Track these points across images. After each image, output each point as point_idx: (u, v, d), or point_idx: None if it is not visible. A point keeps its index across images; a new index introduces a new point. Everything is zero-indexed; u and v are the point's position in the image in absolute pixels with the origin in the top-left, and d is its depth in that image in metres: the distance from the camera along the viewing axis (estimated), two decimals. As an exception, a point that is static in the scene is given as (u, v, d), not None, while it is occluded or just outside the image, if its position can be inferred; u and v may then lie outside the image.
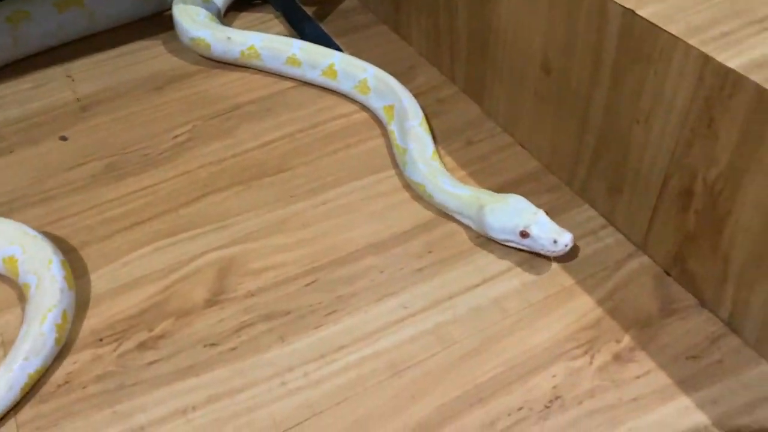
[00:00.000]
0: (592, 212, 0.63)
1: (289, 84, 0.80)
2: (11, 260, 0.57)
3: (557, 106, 0.63)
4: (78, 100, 0.79)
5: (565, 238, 0.54)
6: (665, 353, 0.52)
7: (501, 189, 0.65)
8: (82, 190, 0.68)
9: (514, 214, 0.56)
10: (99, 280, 0.60)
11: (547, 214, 0.57)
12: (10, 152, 0.73)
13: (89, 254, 0.62)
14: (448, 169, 0.67)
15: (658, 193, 0.55)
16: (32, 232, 0.59)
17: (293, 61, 0.77)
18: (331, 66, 0.75)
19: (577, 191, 0.65)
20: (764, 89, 0.43)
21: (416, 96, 0.73)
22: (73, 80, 0.82)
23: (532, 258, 0.59)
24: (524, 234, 0.55)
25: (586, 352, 0.53)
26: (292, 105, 0.77)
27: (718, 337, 0.53)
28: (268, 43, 0.78)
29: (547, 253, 0.56)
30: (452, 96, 0.77)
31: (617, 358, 0.52)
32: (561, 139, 0.64)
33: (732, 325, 0.53)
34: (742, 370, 0.51)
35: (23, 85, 0.82)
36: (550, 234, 0.55)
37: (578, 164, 0.63)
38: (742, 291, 0.51)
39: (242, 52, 0.79)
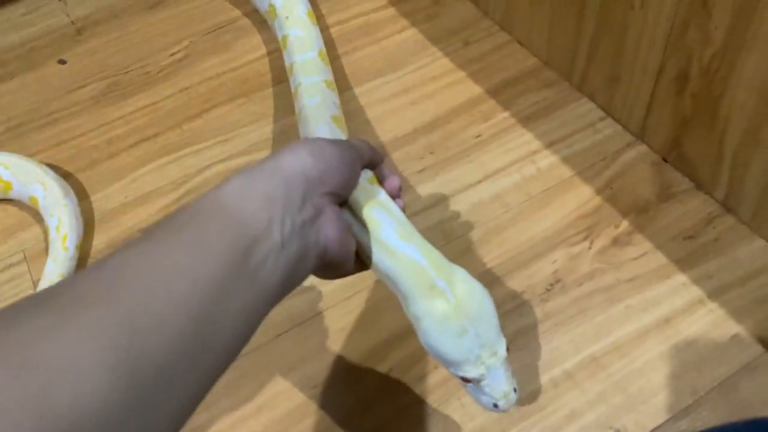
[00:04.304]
0: (591, 105, 0.64)
1: (282, -5, 0.79)
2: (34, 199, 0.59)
3: (553, -2, 0.62)
4: (73, 23, 0.79)
5: (509, 400, 0.38)
6: (662, 235, 0.54)
7: (500, 87, 0.66)
8: (84, 112, 0.69)
9: (464, 344, 0.37)
10: (108, 197, 0.62)
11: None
12: (11, 78, 0.73)
13: (97, 173, 0.64)
14: (443, 73, 0.67)
15: (656, 79, 0.55)
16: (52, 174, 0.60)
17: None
18: None
19: (576, 85, 0.65)
20: (759, -40, 0.43)
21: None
22: (65, 3, 0.81)
23: (534, 153, 0.60)
24: (466, 380, 0.38)
25: (585, 238, 0.55)
26: (287, 16, 0.76)
27: (714, 217, 0.55)
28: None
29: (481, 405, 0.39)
30: (448, -3, 0.76)
31: (616, 241, 0.54)
32: (558, 31, 0.64)
33: (727, 204, 0.55)
34: (737, 246, 0.53)
35: (16, 11, 0.81)
36: (497, 391, 0.38)
37: (576, 56, 0.63)
38: (737, 170, 0.52)
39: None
